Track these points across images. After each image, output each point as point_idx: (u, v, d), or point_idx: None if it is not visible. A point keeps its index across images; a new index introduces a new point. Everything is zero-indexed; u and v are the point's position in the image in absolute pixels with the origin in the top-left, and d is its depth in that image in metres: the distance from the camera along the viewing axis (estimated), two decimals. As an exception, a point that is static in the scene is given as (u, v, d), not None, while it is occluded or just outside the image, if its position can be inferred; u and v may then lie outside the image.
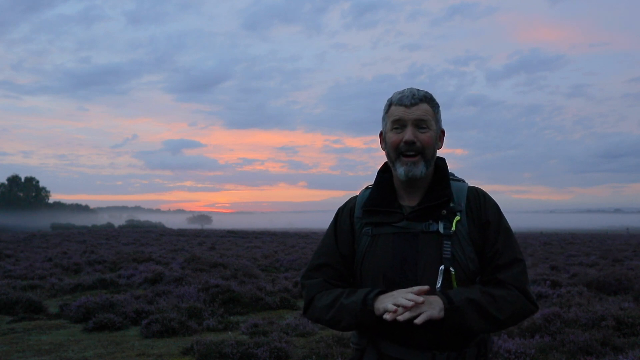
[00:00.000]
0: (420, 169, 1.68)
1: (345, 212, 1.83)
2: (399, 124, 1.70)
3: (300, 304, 8.89)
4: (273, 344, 5.47)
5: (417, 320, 1.52)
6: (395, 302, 1.54)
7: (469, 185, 1.79)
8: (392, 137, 1.72)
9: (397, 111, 1.71)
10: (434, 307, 1.55)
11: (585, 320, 6.03)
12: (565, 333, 5.60)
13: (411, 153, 1.68)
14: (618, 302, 7.30)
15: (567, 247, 25.51)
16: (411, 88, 1.74)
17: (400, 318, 1.52)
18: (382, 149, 1.79)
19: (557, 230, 74.55)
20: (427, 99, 1.72)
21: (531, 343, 5.37)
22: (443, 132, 1.79)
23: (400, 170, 1.69)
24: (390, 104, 1.75)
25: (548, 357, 5.10)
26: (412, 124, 1.68)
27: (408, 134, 1.68)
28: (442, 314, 1.55)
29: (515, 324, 1.70)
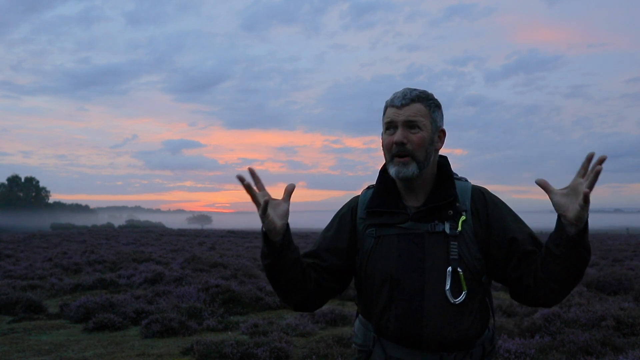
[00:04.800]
0: (411, 170, 1.66)
1: (347, 212, 1.81)
2: (390, 126, 1.69)
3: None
4: (273, 344, 5.47)
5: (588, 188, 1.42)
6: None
7: (473, 184, 1.77)
8: (385, 138, 1.71)
9: (390, 112, 1.70)
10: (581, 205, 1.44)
11: (585, 320, 6.03)
12: (565, 333, 5.60)
13: (402, 154, 1.66)
14: (618, 302, 7.29)
15: (567, 247, 25.47)
16: (406, 88, 1.72)
17: None
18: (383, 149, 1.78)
19: (557, 230, 74.28)
20: (421, 98, 1.69)
21: (531, 343, 5.37)
22: (443, 132, 1.74)
23: (392, 171, 1.68)
24: (386, 105, 1.74)
25: (548, 357, 5.09)
26: (403, 125, 1.66)
27: (397, 135, 1.66)
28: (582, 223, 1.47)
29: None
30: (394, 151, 1.67)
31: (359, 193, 1.85)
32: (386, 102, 1.74)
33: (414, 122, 1.66)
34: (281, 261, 1.62)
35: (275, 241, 1.60)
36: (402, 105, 1.67)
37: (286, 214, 1.61)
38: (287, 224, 1.62)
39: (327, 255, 1.76)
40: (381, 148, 1.80)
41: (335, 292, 1.81)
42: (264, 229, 1.58)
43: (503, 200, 1.77)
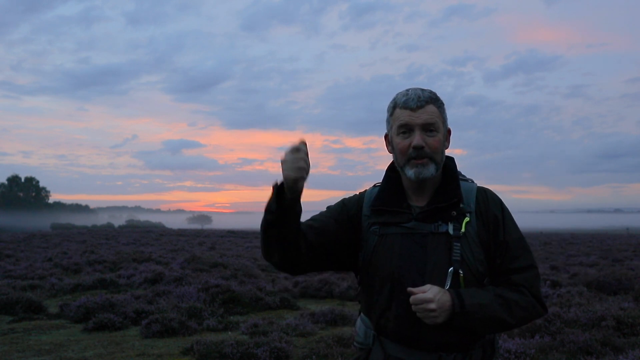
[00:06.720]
0: (430, 171, 1.65)
1: (353, 201, 1.80)
2: (405, 129, 1.66)
3: (301, 304, 8.91)
4: (273, 344, 5.47)
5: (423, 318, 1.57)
6: None
7: (478, 185, 1.76)
8: (400, 142, 1.67)
9: (403, 115, 1.66)
10: (442, 311, 1.56)
11: (585, 320, 6.02)
12: (565, 333, 5.60)
13: (420, 156, 1.64)
14: (618, 302, 7.29)
15: (567, 247, 25.52)
16: (415, 89, 1.68)
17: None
18: (389, 151, 1.76)
19: (557, 230, 74.52)
20: (433, 99, 1.67)
21: (531, 343, 5.37)
22: (449, 131, 1.75)
23: (410, 173, 1.66)
24: (394, 106, 1.70)
25: (548, 357, 5.09)
26: (420, 128, 1.64)
27: (417, 139, 1.64)
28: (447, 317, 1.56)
29: (522, 325, 1.71)
30: (412, 154, 1.65)
31: (367, 189, 1.83)
32: (394, 102, 1.70)
33: (431, 125, 1.65)
34: (286, 218, 1.60)
35: (288, 197, 1.57)
36: (417, 108, 1.64)
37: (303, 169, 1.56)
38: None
39: (328, 227, 1.74)
40: (383, 148, 1.78)
41: (322, 265, 1.78)
42: (282, 180, 1.55)
43: (504, 202, 1.76)
